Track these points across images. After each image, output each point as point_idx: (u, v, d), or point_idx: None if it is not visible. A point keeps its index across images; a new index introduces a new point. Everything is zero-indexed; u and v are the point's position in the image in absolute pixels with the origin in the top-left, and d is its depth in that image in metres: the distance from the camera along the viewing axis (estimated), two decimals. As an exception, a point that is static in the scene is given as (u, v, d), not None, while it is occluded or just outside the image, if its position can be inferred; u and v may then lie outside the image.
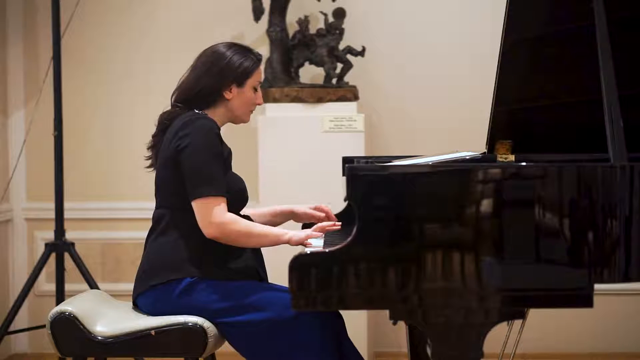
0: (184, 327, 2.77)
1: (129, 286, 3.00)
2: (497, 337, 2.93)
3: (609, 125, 2.58)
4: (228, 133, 2.99)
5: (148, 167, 3.02)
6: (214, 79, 2.90)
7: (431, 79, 4.63)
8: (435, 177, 2.53)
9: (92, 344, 2.79)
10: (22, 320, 4.62)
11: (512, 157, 3.19)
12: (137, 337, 2.78)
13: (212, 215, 2.75)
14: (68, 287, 4.31)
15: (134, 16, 4.74)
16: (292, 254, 2.53)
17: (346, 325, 2.91)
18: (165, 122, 2.93)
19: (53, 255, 4.25)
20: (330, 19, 4.43)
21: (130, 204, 4.67)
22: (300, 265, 2.49)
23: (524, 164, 2.64)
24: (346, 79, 4.43)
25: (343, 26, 4.42)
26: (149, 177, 3.02)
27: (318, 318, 2.75)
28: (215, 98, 2.92)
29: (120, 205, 4.71)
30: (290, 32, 4.46)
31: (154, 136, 2.98)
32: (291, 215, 3.13)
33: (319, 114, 4.30)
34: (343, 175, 3.02)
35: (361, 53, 4.43)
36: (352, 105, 4.33)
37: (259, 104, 3.01)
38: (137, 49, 4.73)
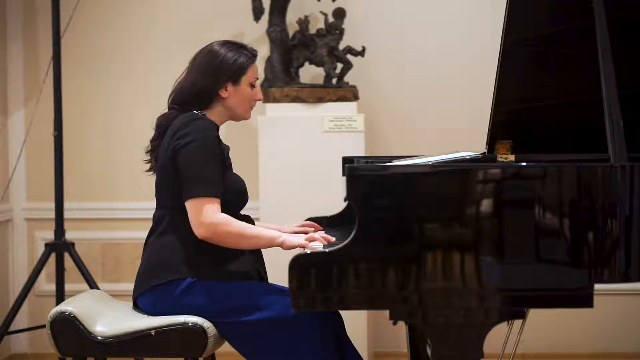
0: (184, 327, 2.77)
1: (129, 286, 3.00)
2: (497, 337, 2.93)
3: (609, 125, 2.57)
4: (228, 132, 2.99)
5: (148, 170, 3.01)
6: (208, 79, 2.89)
7: (431, 79, 4.63)
8: (435, 177, 2.53)
9: (92, 344, 2.79)
10: (22, 320, 4.62)
11: (512, 157, 3.19)
12: (137, 337, 2.78)
13: (203, 215, 2.74)
14: (68, 287, 4.31)
15: (134, 16, 4.74)
16: (292, 254, 2.53)
17: (346, 325, 2.91)
18: (163, 125, 2.92)
19: (53, 255, 4.25)
20: (330, 19, 4.43)
21: (130, 204, 4.67)
22: (300, 265, 2.49)
23: (524, 164, 2.64)
24: (346, 79, 4.42)
25: (343, 26, 4.42)
26: (149, 177, 3.03)
27: (318, 318, 2.75)
28: (211, 98, 2.91)
29: (120, 206, 4.71)
30: (290, 32, 4.46)
31: (152, 140, 2.97)
32: None
33: (319, 114, 4.30)
34: (343, 175, 3.02)
35: (361, 53, 4.43)
36: (352, 105, 4.33)
37: (259, 100, 2.99)
38: (137, 49, 4.73)
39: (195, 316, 2.78)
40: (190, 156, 2.77)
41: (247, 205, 2.99)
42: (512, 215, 2.49)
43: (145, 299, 2.86)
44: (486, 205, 2.49)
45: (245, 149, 4.09)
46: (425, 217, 2.49)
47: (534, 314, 2.93)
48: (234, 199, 2.87)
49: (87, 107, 4.74)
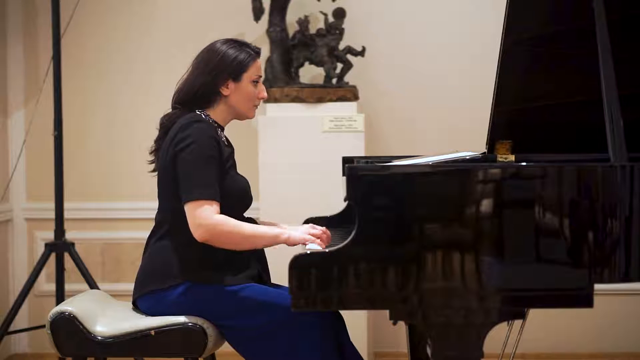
0: (184, 327, 2.77)
1: (129, 286, 3.00)
2: (497, 337, 2.92)
3: (609, 125, 2.57)
4: (228, 132, 2.98)
5: (152, 171, 2.99)
6: (209, 76, 2.88)
7: (431, 79, 4.63)
8: (435, 177, 2.53)
9: (91, 344, 2.78)
10: (22, 320, 4.62)
11: (512, 157, 3.19)
12: (137, 337, 2.78)
13: (200, 217, 2.72)
14: (68, 287, 4.31)
15: (134, 16, 4.74)
16: (293, 254, 2.52)
17: (346, 325, 2.91)
18: (166, 125, 2.91)
19: (53, 255, 4.25)
20: (330, 19, 4.43)
21: (130, 204, 4.67)
22: (300, 265, 2.49)
23: (524, 164, 2.64)
24: (346, 79, 4.43)
25: (343, 26, 4.42)
26: (149, 177, 3.02)
27: (318, 319, 2.74)
28: (213, 96, 2.90)
29: (120, 206, 4.71)
30: (290, 32, 4.46)
31: (156, 140, 2.96)
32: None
33: (319, 114, 4.30)
34: (343, 175, 3.02)
35: (361, 53, 4.43)
36: (352, 105, 4.33)
37: (263, 98, 2.96)
38: (137, 49, 4.73)
39: (195, 316, 2.78)
40: (187, 159, 2.76)
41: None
42: (512, 215, 2.49)
43: (144, 302, 2.86)
44: (486, 205, 2.49)
45: (245, 149, 4.08)
46: (425, 217, 2.48)
47: (534, 314, 2.93)
48: (236, 201, 2.86)
49: (87, 107, 4.74)
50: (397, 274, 2.47)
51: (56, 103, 4.25)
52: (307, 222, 3.24)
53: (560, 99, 3.15)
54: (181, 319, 2.78)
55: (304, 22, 4.44)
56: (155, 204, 2.92)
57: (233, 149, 2.95)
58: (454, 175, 2.52)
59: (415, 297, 2.48)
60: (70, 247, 4.24)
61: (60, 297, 4.26)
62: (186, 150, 2.77)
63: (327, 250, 2.51)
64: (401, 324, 2.73)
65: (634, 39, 2.95)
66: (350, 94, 4.35)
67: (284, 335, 2.75)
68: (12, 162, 4.71)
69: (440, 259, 2.48)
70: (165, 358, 3.02)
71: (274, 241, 2.79)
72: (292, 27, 4.48)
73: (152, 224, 2.92)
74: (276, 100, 4.32)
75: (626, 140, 2.56)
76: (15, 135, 4.75)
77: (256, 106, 2.97)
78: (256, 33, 4.51)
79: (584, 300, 2.50)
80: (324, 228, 2.86)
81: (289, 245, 2.78)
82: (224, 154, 2.85)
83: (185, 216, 2.77)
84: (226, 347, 2.91)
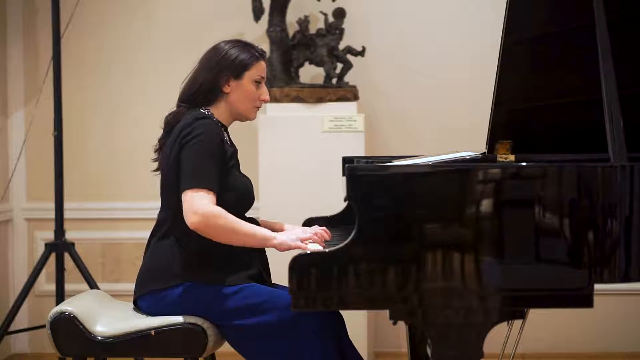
0: (184, 327, 2.77)
1: (129, 286, 3.00)
2: (497, 337, 2.93)
3: (609, 125, 2.57)
4: (229, 132, 2.98)
5: (155, 170, 2.99)
6: (211, 73, 2.88)
7: (431, 79, 4.63)
8: (435, 177, 2.53)
9: (92, 344, 2.78)
10: (22, 320, 4.62)
11: (512, 157, 3.19)
12: (137, 337, 2.78)
13: (197, 205, 2.70)
14: (68, 287, 4.31)
15: (134, 16, 4.74)
16: (293, 254, 2.52)
17: (346, 325, 2.91)
18: (171, 123, 2.91)
19: (53, 255, 4.25)
20: (330, 19, 4.43)
21: (130, 204, 4.67)
22: (300, 265, 2.49)
23: (524, 164, 2.64)
24: (346, 79, 4.43)
25: (343, 26, 4.43)
26: (149, 177, 3.02)
27: (318, 319, 2.74)
28: (215, 94, 2.90)
29: (120, 205, 4.71)
30: (290, 32, 4.46)
31: (160, 139, 2.96)
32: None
33: (319, 114, 4.30)
34: (343, 175, 3.02)
35: (361, 53, 4.43)
36: (352, 105, 4.33)
37: (265, 101, 2.96)
38: (137, 49, 4.73)
39: (195, 316, 2.78)
40: (191, 151, 2.76)
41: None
42: (512, 215, 2.49)
43: (145, 301, 2.86)
44: (486, 205, 2.49)
45: (245, 149, 4.08)
46: (425, 217, 2.48)
47: (534, 314, 2.93)
48: (239, 200, 2.85)
49: (87, 107, 4.74)
50: (397, 274, 2.47)
51: (56, 103, 4.25)
52: (307, 222, 3.25)
53: (560, 99, 3.15)
54: (181, 319, 2.78)
55: (304, 22, 4.44)
56: (155, 204, 2.92)
57: (236, 149, 2.95)
58: (454, 175, 2.52)
59: (415, 297, 2.48)
60: (70, 247, 4.24)
61: (60, 297, 4.26)
62: (191, 142, 2.77)
63: (327, 250, 2.51)
64: (401, 324, 2.73)
65: (634, 39, 2.95)
66: (350, 94, 4.35)
67: (285, 335, 2.75)
68: (12, 162, 4.71)
69: (440, 259, 2.48)
70: (165, 358, 3.02)
71: (263, 243, 2.77)
72: (292, 27, 4.48)
73: (152, 223, 2.92)
74: (276, 100, 4.32)
75: (626, 140, 2.56)
76: (15, 135, 4.75)
77: (257, 108, 2.96)
78: (256, 33, 4.51)
79: (584, 300, 2.50)
80: (315, 228, 2.85)
81: (279, 251, 2.78)
82: (227, 152, 2.85)
83: (182, 218, 2.77)
84: (226, 347, 2.91)
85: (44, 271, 4.34)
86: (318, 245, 2.73)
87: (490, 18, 4.26)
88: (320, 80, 4.47)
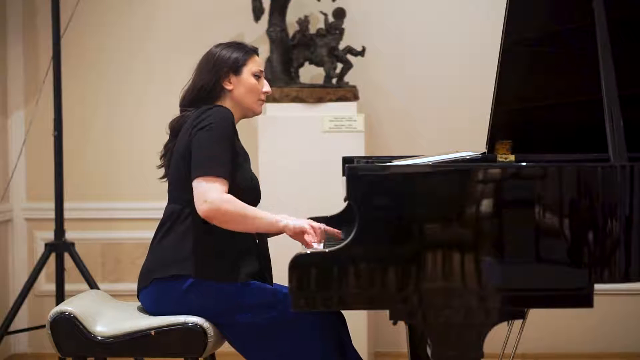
0: (184, 327, 2.77)
1: (129, 286, 3.00)
2: (497, 337, 2.92)
3: (609, 125, 2.57)
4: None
5: (161, 177, 2.99)
6: (210, 75, 2.92)
7: (431, 79, 4.63)
8: (435, 177, 2.53)
9: (92, 344, 2.79)
10: (22, 320, 4.62)
11: (512, 157, 3.19)
12: (137, 337, 2.78)
13: (208, 192, 2.72)
14: (68, 287, 4.31)
15: (134, 16, 4.75)
16: (293, 254, 2.52)
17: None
18: (176, 129, 2.93)
19: (53, 255, 4.25)
20: (330, 19, 4.43)
21: (130, 204, 4.67)
22: (300, 265, 2.49)
23: (524, 164, 2.64)
24: (346, 79, 4.43)
25: (343, 26, 4.43)
26: (149, 177, 3.02)
27: (319, 318, 2.75)
28: (217, 92, 2.93)
29: (120, 205, 4.70)
30: (290, 32, 4.46)
31: (166, 144, 2.97)
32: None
33: (319, 114, 4.30)
34: (343, 175, 3.02)
35: (361, 53, 4.43)
36: (352, 105, 4.33)
37: (267, 93, 3.00)
38: (137, 49, 4.73)
39: (195, 316, 2.78)
40: (204, 137, 2.78)
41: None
42: (512, 215, 2.49)
43: (147, 293, 2.85)
44: (486, 205, 2.49)
45: (245, 148, 4.09)
46: (425, 217, 2.48)
47: (534, 314, 2.93)
48: (245, 194, 2.84)
49: (87, 107, 4.74)
50: (397, 274, 2.47)
51: (56, 103, 4.25)
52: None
53: (560, 99, 3.15)
54: (181, 319, 2.78)
55: (304, 22, 4.44)
56: (155, 204, 2.93)
57: (245, 152, 2.98)
58: (454, 175, 2.52)
59: (415, 297, 2.48)
60: (70, 247, 4.24)
61: (60, 297, 4.26)
62: (205, 128, 2.79)
63: (327, 250, 2.51)
64: (401, 324, 2.73)
65: (634, 39, 2.95)
66: (350, 94, 4.35)
67: (285, 334, 2.75)
68: (12, 162, 4.71)
69: (440, 259, 2.48)
70: (165, 358, 3.02)
71: (273, 226, 2.78)
72: (292, 27, 4.48)
73: (152, 223, 2.92)
74: (276, 100, 4.32)
75: (626, 140, 2.56)
76: (15, 135, 4.75)
77: (262, 101, 3.00)
78: (256, 33, 4.51)
79: (584, 300, 2.50)
80: (322, 225, 2.86)
81: (288, 234, 2.78)
82: (239, 142, 2.88)
83: (191, 212, 2.77)
84: (226, 347, 2.91)
85: (44, 271, 4.34)
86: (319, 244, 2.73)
87: (490, 18, 4.26)
88: (320, 80, 4.47)
